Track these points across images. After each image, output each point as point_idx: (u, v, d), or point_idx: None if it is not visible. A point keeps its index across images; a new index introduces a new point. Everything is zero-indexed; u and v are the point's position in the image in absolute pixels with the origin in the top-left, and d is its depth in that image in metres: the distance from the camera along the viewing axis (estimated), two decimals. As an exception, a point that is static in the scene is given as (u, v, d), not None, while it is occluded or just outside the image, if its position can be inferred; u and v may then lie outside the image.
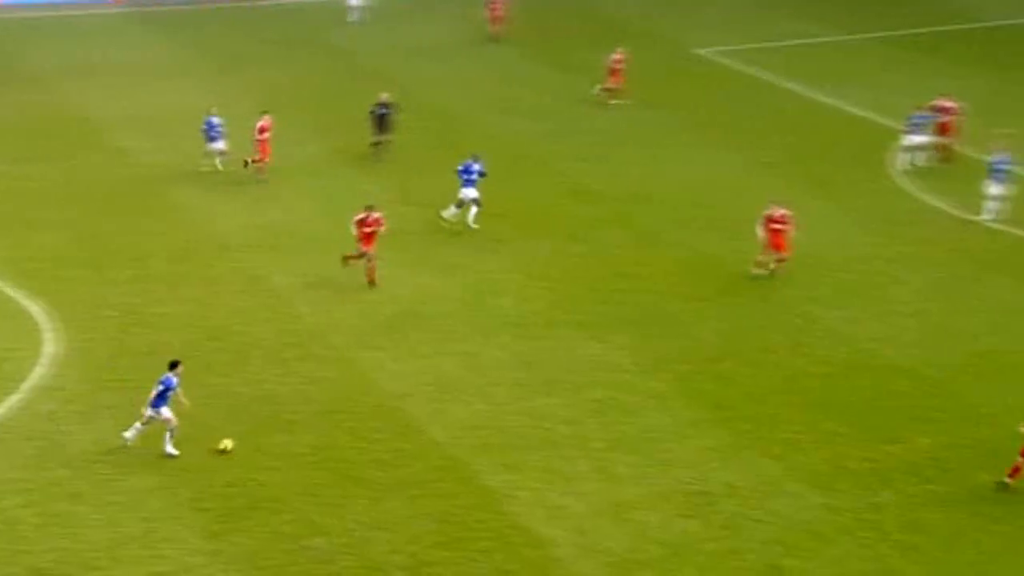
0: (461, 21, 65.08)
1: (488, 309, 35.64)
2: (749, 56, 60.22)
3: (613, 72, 52.97)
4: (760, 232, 37.45)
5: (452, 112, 52.28)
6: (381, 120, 46.11)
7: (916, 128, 45.81)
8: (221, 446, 28.93)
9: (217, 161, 44.72)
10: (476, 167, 40.17)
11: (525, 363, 32.73)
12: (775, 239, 37.33)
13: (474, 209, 40.21)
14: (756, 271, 37.51)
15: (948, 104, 46.60)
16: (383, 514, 26.90)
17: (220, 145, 44.57)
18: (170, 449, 28.56)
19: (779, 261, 37.55)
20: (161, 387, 28.45)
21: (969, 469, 28.64)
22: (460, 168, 40.30)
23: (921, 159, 45.80)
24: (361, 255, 36.58)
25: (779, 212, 37.39)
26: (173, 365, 28.78)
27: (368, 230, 36.50)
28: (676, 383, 31.88)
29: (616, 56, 53.28)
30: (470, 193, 40.04)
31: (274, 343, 33.62)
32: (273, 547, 25.96)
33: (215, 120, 44.69)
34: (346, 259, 36.84)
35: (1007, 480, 27.91)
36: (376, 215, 36.72)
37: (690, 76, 57.82)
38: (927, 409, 31.10)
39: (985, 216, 41.51)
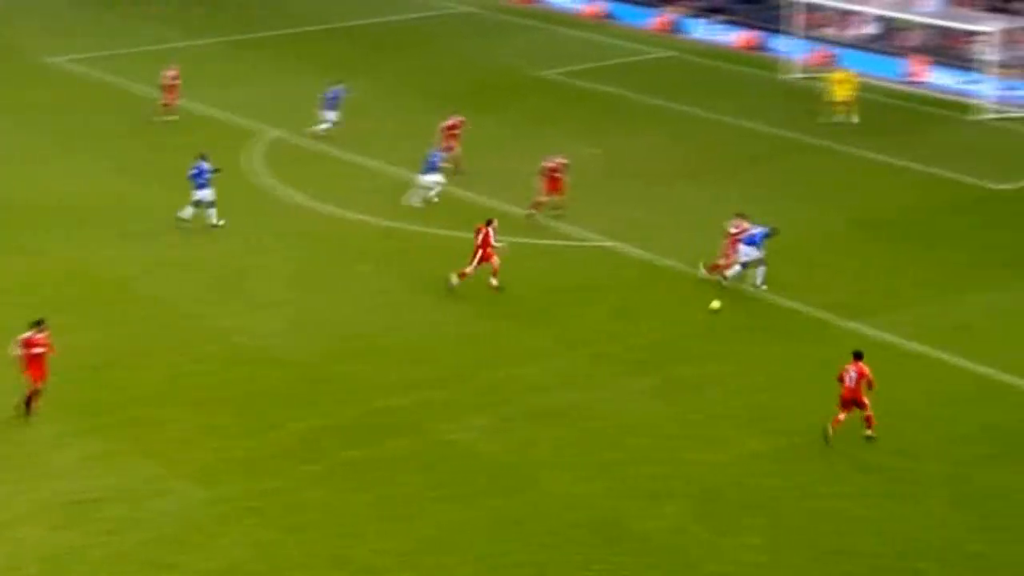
0: None
1: None
2: (102, 63, 59.75)
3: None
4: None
5: None
6: None
7: (431, 167, 44.26)
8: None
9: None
10: (206, 166, 41.03)
11: None
12: (552, 185, 41.61)
13: (211, 211, 41.01)
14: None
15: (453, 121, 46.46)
16: None
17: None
18: None
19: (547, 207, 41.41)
20: None
21: (341, 448, 29.96)
22: (192, 172, 40.97)
23: (431, 194, 44.72)
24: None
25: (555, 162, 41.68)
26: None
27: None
28: (53, 394, 31.29)
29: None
30: (206, 195, 41.02)
31: None
32: None
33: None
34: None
35: (830, 429, 30.03)
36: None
37: (43, 84, 56.85)
38: (302, 395, 32.22)
39: (414, 201, 43.09)
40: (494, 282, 37.86)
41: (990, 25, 55.09)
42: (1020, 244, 41.28)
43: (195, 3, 71.30)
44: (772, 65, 59.44)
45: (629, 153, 44.52)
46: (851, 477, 29.09)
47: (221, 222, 41.62)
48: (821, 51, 60.37)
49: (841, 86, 52.02)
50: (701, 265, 38.45)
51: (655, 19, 66.86)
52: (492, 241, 37.72)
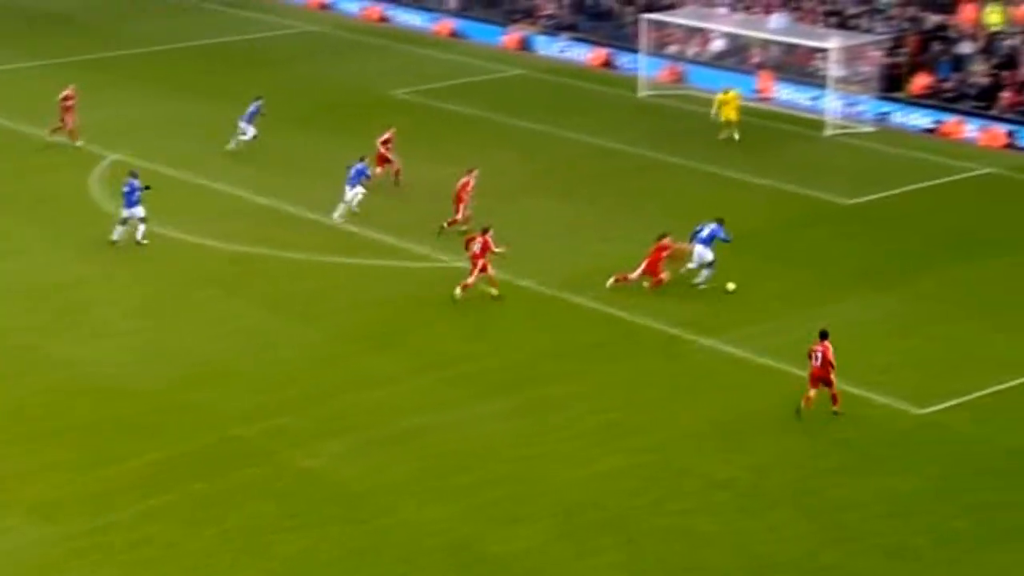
0: None
1: None
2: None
3: None
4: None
5: None
6: None
7: (355, 180, 44.25)
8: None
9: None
10: (137, 183, 41.17)
11: None
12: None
13: (141, 227, 41.05)
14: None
15: None
16: None
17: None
18: None
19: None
20: None
21: (190, 479, 29.32)
22: (125, 189, 41.07)
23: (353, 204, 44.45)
24: None
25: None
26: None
27: None
28: None
29: None
30: (137, 212, 40.98)
31: None
32: None
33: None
34: None
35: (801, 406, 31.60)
36: None
37: None
38: (148, 425, 31.55)
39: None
40: (494, 292, 38.11)
41: (832, 41, 55.86)
42: (870, 257, 41.79)
43: (37, 23, 69.80)
44: (623, 82, 59.69)
45: (482, 172, 44.19)
46: (705, 493, 29.12)
47: (145, 240, 41.10)
48: (670, 68, 60.78)
49: (727, 106, 52.28)
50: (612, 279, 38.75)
51: (505, 37, 66.87)
52: (493, 248, 37.84)
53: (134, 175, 41.80)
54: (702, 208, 45.72)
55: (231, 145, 49.90)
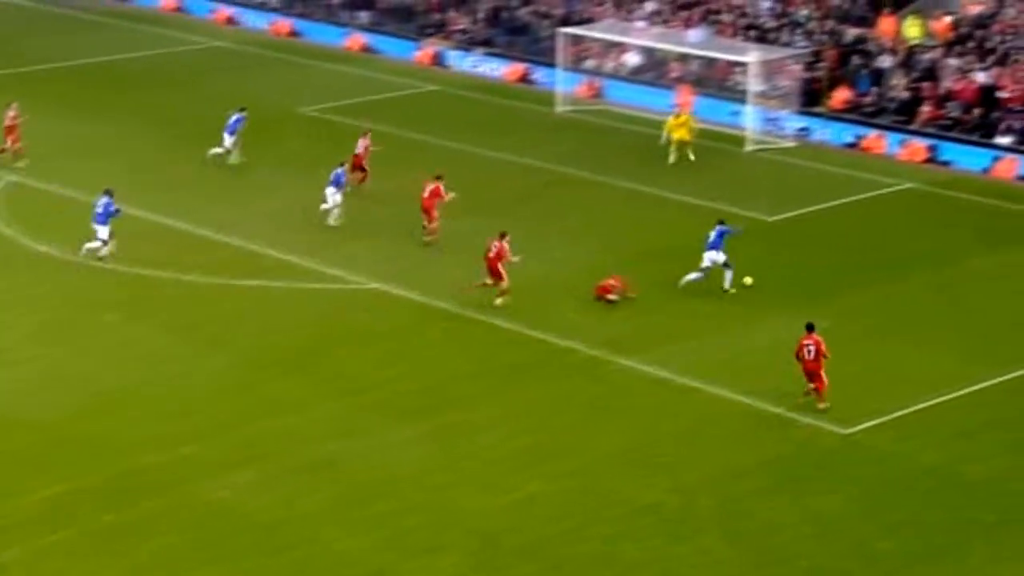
0: None
1: None
2: None
3: None
4: None
5: None
6: None
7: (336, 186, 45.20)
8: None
9: None
10: (106, 200, 41.66)
11: None
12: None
13: (103, 248, 41.53)
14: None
15: None
16: None
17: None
18: None
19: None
20: None
21: (92, 513, 28.96)
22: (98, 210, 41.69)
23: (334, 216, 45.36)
24: None
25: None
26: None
27: None
28: None
29: None
30: (102, 232, 41.65)
31: None
32: None
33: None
34: None
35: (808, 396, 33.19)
36: None
37: None
38: (47, 458, 31.15)
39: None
40: (499, 301, 38.87)
41: (752, 55, 56.34)
42: (792, 275, 42.10)
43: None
44: (540, 98, 59.85)
45: (397, 191, 44.24)
46: (629, 518, 29.16)
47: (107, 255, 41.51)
48: (588, 83, 61.03)
49: (679, 129, 52.25)
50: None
51: (418, 52, 66.87)
52: (508, 256, 38.92)
53: (108, 193, 41.97)
54: (624, 226, 46.02)
55: (216, 150, 50.35)
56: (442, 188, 43.66)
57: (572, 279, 41.01)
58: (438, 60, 66.29)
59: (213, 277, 40.34)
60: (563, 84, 59.63)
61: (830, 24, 59.92)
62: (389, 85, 62.11)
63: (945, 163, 52.67)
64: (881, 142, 54.35)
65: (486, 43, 66.65)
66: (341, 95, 60.45)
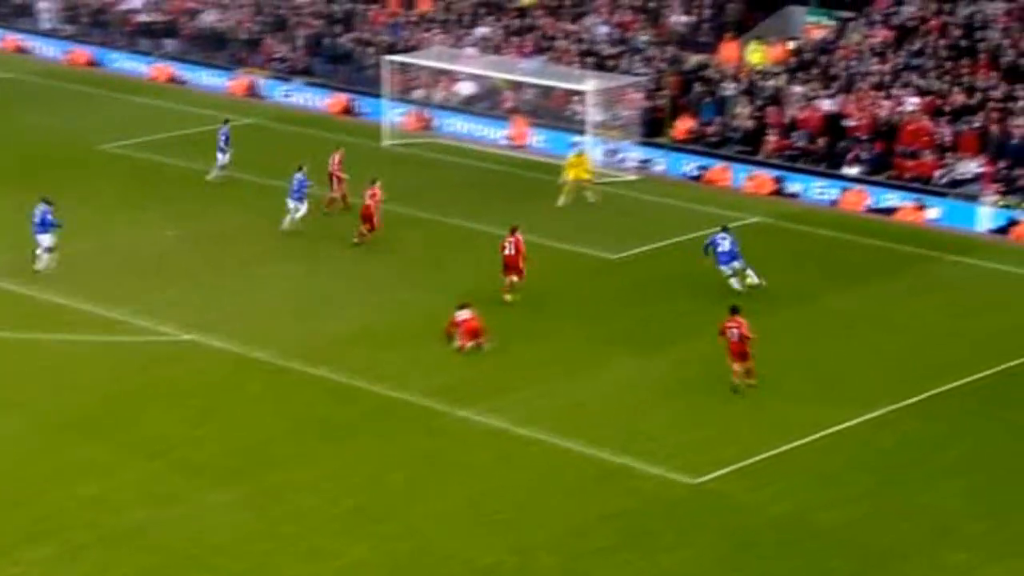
0: None
1: None
2: None
3: None
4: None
5: None
6: None
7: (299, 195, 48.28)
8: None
9: None
10: (44, 209, 43.41)
11: None
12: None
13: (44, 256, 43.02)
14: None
15: None
16: None
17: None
18: None
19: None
20: None
21: None
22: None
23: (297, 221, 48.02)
24: None
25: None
26: None
27: None
28: None
29: None
30: (45, 240, 43.35)
31: None
32: None
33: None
34: None
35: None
36: None
37: None
38: None
39: None
40: (508, 298, 41.83)
41: (589, 84, 56.66)
42: (637, 316, 42.19)
43: None
44: (366, 130, 59.59)
45: (209, 234, 43.62)
46: (464, 583, 28.90)
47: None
48: (417, 114, 60.91)
49: (575, 169, 51.91)
50: None
51: (231, 83, 66.23)
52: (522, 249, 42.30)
53: (46, 201, 43.49)
54: (459, 267, 45.86)
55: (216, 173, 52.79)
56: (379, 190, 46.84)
57: (402, 325, 40.68)
58: (253, 91, 65.71)
59: (6, 331, 39.33)
60: (391, 115, 59.43)
61: (671, 51, 60.56)
62: (199, 118, 61.37)
63: (793, 195, 53.41)
64: (727, 174, 54.96)
65: (306, 72, 66.25)
66: (145, 130, 59.61)
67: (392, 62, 60.29)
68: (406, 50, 62.83)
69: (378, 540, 30.24)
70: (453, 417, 35.74)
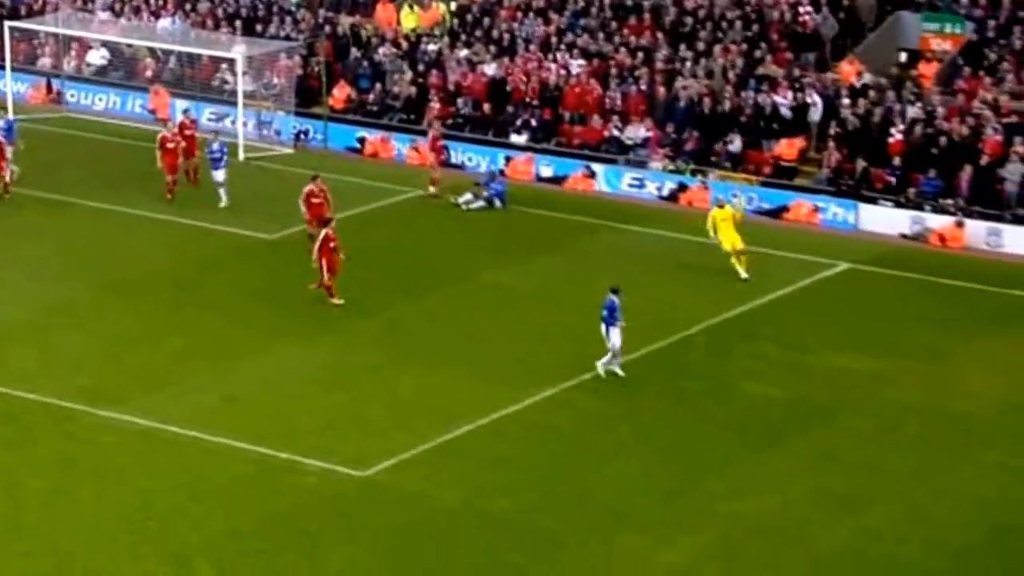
0: None
1: None
2: None
3: None
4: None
5: None
6: None
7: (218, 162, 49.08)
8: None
9: None
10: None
11: None
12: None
13: None
14: None
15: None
16: None
17: None
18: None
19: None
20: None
21: None
22: None
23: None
24: None
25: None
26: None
27: None
28: None
29: None
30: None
31: None
32: None
33: None
34: None
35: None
36: None
37: None
38: None
39: None
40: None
41: (237, 50, 56.18)
42: (297, 302, 41.90)
43: None
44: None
45: None
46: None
47: None
48: (42, 86, 59.58)
49: (726, 232, 46.15)
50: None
51: None
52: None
53: None
54: (94, 253, 45.08)
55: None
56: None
57: (29, 321, 39.95)
58: None
59: None
60: (12, 87, 57.91)
61: (323, 13, 60.37)
62: None
63: (459, 166, 53.77)
64: (389, 145, 55.17)
65: None
66: None
67: (13, 28, 58.72)
68: (30, 14, 61.31)
69: (14, 558, 29.58)
70: (94, 419, 35.15)
